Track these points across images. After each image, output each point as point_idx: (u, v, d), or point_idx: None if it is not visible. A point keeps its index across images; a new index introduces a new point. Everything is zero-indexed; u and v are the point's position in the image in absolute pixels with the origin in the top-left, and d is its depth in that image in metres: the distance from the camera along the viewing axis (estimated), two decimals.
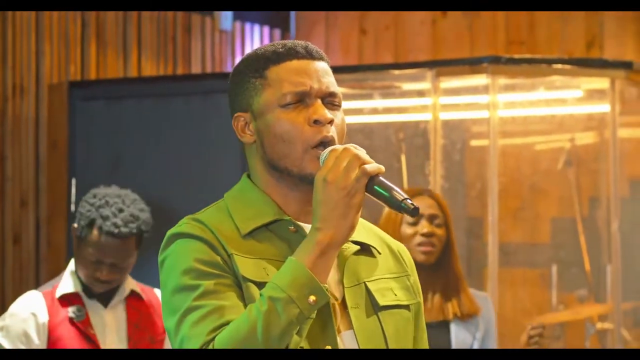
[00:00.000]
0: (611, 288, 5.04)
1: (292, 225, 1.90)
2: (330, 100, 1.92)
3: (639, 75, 5.06)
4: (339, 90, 1.94)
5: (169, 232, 1.89)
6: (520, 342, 3.76)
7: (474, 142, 5.84)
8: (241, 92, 1.95)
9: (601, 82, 5.14)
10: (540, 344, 3.69)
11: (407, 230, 3.45)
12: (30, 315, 3.23)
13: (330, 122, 1.89)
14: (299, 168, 1.88)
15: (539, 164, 5.92)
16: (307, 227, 1.89)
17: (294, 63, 1.91)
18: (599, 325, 5.19)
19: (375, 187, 1.82)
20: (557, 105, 5.54)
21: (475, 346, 3.50)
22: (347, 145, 1.83)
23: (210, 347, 1.75)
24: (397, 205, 1.81)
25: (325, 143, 1.88)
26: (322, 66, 1.93)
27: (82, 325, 3.25)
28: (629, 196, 5.65)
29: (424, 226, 3.46)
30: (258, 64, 1.93)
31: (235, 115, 1.96)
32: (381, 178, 1.82)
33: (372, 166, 1.81)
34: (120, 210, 3.25)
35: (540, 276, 5.89)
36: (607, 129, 5.11)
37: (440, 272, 3.49)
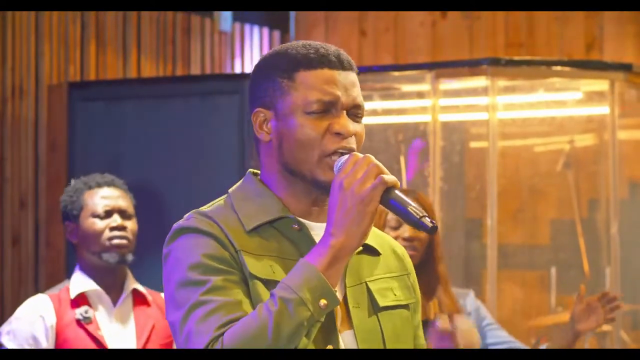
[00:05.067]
0: (610, 290, 5.04)
1: (295, 223, 1.89)
2: (354, 112, 1.92)
3: (639, 77, 5.06)
4: (363, 102, 1.94)
5: (176, 226, 1.88)
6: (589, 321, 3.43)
7: (474, 144, 5.84)
8: (266, 88, 1.92)
9: (600, 84, 5.14)
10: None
11: (389, 233, 3.39)
12: (38, 317, 3.23)
13: (353, 135, 1.90)
14: (313, 174, 1.88)
15: (539, 166, 5.92)
16: (311, 225, 1.90)
17: (325, 72, 1.89)
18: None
19: (392, 201, 1.81)
20: (557, 107, 5.54)
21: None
22: (367, 155, 1.83)
23: (218, 343, 1.74)
24: (415, 222, 1.80)
25: (342, 152, 1.87)
26: (351, 77, 1.92)
27: (89, 327, 3.25)
28: (628, 198, 5.65)
29: (405, 230, 3.41)
30: (288, 65, 1.91)
31: (256, 110, 1.94)
32: (397, 192, 1.81)
33: (390, 177, 1.81)
34: (94, 176, 3.41)
35: (540, 278, 5.89)
36: (607, 131, 5.11)
37: (422, 273, 3.44)
